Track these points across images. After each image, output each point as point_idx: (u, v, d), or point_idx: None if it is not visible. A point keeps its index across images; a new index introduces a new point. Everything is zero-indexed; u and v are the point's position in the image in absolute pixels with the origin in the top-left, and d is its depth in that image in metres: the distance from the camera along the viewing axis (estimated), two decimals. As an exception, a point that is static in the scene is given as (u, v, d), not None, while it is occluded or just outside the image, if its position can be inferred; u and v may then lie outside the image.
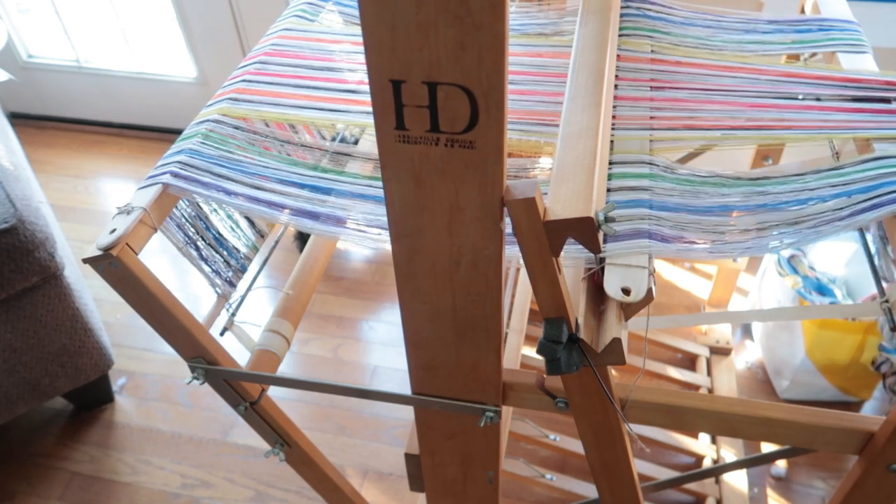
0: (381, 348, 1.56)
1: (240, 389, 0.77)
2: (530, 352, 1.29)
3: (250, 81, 0.81)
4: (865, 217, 0.60)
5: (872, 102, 0.74)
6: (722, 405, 0.66)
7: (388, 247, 0.56)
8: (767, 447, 1.25)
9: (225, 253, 0.79)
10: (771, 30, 0.93)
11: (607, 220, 0.52)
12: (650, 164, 0.70)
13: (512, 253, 0.56)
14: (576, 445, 1.21)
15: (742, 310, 1.57)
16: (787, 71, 0.78)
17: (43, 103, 2.25)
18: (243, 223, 0.83)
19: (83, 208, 1.97)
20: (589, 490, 1.19)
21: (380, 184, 0.63)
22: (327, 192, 0.71)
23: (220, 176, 0.71)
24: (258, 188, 0.70)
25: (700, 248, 0.61)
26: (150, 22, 2.05)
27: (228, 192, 0.69)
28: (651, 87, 0.78)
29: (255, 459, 1.36)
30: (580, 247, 0.53)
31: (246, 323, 0.81)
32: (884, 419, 0.63)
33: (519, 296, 1.14)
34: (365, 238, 0.67)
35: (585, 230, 0.51)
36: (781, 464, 1.30)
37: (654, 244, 0.60)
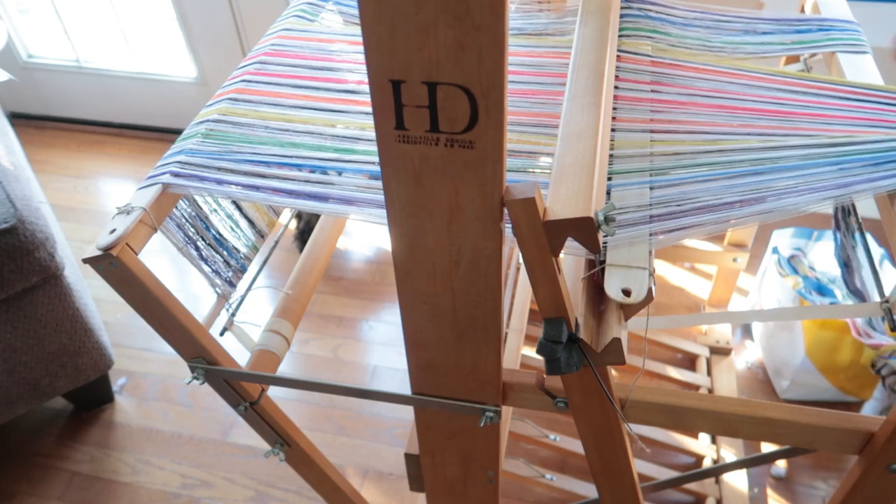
0: (381, 348, 1.56)
1: (240, 389, 0.77)
2: (530, 352, 1.29)
3: (250, 81, 0.81)
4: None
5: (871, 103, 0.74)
6: (722, 405, 0.66)
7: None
8: (767, 447, 1.25)
9: (225, 253, 0.79)
10: (771, 30, 0.93)
11: (607, 220, 0.52)
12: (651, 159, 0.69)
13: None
14: (576, 445, 1.21)
15: (742, 310, 1.57)
16: (787, 80, 0.78)
17: (43, 103, 2.25)
18: (243, 223, 0.83)
19: (83, 208, 1.97)
20: (589, 490, 1.19)
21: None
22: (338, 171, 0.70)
23: (220, 169, 0.70)
24: (262, 175, 0.69)
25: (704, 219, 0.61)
26: (150, 22, 2.05)
27: (229, 183, 0.69)
28: (651, 88, 0.78)
29: (255, 459, 1.36)
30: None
31: (246, 323, 0.81)
32: (884, 419, 0.63)
33: (519, 296, 1.14)
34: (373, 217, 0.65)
35: (585, 230, 0.51)
36: (781, 464, 1.30)
37: (654, 225, 0.60)
